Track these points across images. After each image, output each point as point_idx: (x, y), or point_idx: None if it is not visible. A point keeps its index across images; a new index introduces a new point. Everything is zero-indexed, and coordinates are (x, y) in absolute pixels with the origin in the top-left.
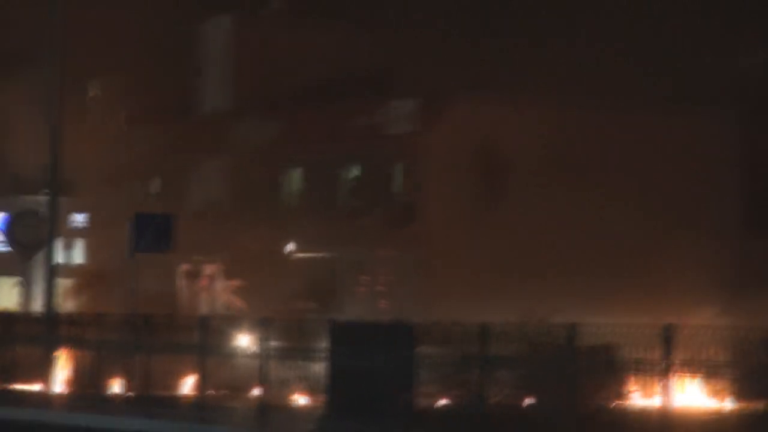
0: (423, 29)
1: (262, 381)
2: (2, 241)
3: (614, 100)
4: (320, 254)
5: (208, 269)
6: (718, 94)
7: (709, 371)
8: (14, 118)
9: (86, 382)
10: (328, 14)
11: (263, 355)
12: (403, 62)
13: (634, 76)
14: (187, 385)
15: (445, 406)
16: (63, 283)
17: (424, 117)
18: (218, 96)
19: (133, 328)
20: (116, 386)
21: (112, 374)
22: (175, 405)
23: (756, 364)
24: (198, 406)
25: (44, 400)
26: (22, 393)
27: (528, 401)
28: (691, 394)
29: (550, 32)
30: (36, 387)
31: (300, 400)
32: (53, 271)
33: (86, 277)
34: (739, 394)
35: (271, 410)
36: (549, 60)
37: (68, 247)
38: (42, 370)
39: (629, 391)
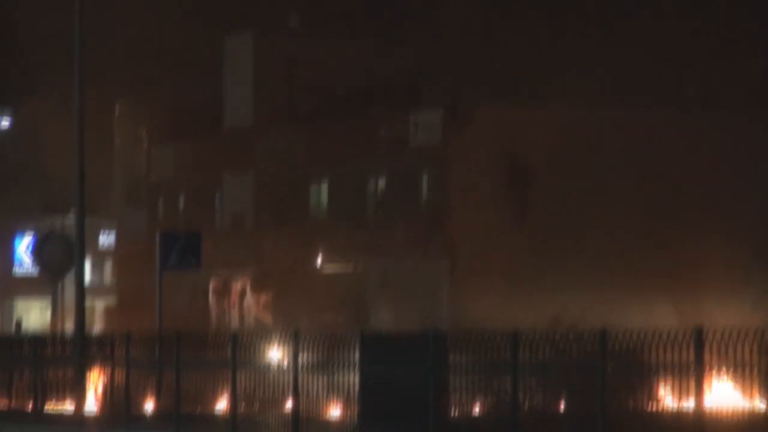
0: (444, 40)
1: (294, 394)
2: (30, 265)
3: (642, 102)
4: (348, 267)
5: (237, 285)
6: (748, 96)
7: (740, 372)
8: (43, 138)
9: (117, 401)
10: (348, 29)
11: (294, 369)
12: (426, 73)
13: (662, 77)
14: (220, 402)
15: (478, 414)
16: (95, 305)
17: (448, 127)
18: (243, 112)
19: (163, 346)
20: (148, 404)
21: (143, 393)
22: (207, 421)
23: None
24: (230, 421)
25: (77, 420)
26: (55, 414)
27: (560, 407)
28: (724, 395)
29: (576, 35)
30: (68, 407)
31: (332, 412)
32: (82, 292)
33: (118, 298)
34: None
35: (304, 423)
36: (576, 62)
37: (97, 267)
38: (73, 390)
39: (661, 395)
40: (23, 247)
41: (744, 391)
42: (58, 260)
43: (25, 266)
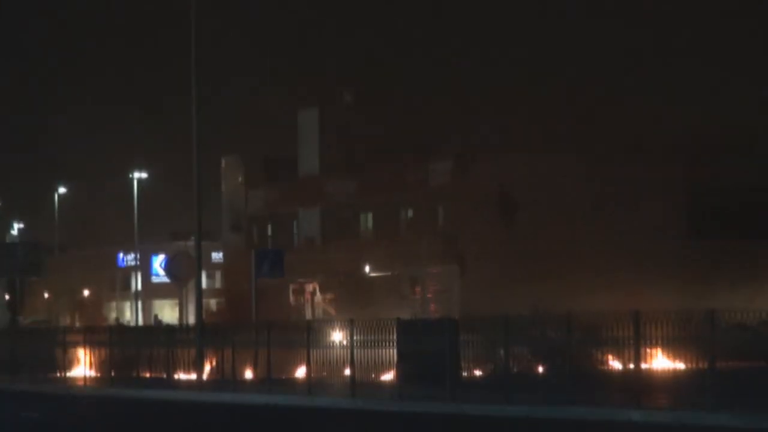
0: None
1: (351, 364)
2: (164, 276)
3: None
4: (387, 272)
5: (309, 287)
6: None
7: (664, 343)
8: (171, 185)
9: (227, 370)
10: (384, 101)
11: (351, 346)
12: (440, 130)
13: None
14: (299, 370)
15: (480, 375)
16: (210, 303)
17: (456, 172)
18: (312, 164)
19: (258, 332)
20: (247, 373)
21: (244, 365)
22: (290, 384)
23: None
24: (307, 383)
25: (197, 384)
26: (180, 380)
27: (539, 370)
28: (653, 360)
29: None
30: (190, 376)
31: (379, 376)
32: (200, 294)
33: (226, 298)
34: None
35: (359, 385)
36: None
37: (210, 276)
38: (194, 364)
39: (609, 359)
40: (158, 262)
41: (671, 357)
42: (183, 272)
43: (160, 276)
